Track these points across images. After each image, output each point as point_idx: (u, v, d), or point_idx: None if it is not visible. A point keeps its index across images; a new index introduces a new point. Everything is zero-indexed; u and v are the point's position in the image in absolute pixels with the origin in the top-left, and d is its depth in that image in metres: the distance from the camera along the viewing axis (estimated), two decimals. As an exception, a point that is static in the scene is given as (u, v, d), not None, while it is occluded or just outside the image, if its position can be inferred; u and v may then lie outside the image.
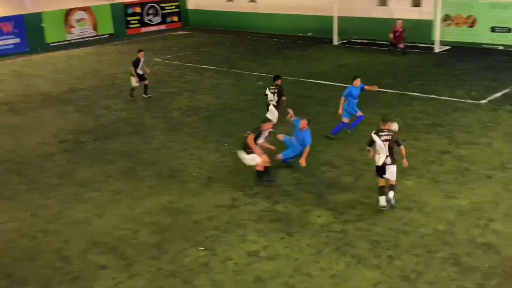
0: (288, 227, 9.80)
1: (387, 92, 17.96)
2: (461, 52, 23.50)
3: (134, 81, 18.64)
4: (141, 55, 18.73)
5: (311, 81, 20.06)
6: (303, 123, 12.06)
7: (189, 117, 16.67)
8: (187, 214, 10.51)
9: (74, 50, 29.00)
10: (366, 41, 26.88)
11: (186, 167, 12.76)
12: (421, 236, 9.31)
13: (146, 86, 18.83)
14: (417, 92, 17.71)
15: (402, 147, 10.14)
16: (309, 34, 29.44)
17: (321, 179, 11.72)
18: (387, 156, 9.95)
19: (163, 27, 34.14)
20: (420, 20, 25.23)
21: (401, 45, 23.64)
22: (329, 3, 27.07)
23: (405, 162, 10.29)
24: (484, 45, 23.90)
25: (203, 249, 9.21)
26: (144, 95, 18.87)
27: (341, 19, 26.75)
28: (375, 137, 10.07)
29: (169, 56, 26.04)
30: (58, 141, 15.06)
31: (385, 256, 8.76)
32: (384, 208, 10.16)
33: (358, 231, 9.55)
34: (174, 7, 34.70)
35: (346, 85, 18.95)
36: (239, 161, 12.84)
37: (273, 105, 14.51)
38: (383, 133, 10.06)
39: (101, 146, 14.52)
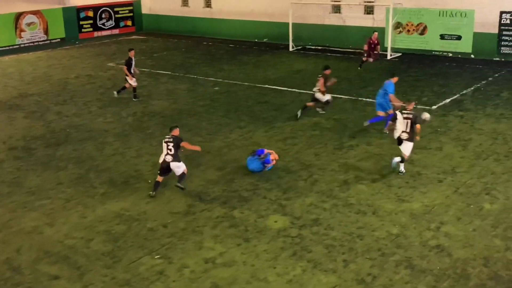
0: (245, 233, 9.78)
1: (341, 98, 18.22)
2: (412, 58, 24.10)
3: (133, 81, 18.58)
4: (132, 54, 18.64)
5: (267, 87, 20.15)
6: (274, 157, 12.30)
7: (144, 122, 16.45)
8: (142, 221, 10.34)
9: (25, 54, 28.20)
10: (320, 47, 27.23)
11: (141, 174, 12.57)
12: (376, 239, 9.45)
13: (124, 88, 18.84)
14: (370, 98, 18.02)
15: (418, 125, 11.90)
16: (265, 40, 29.62)
17: (277, 184, 11.76)
18: (403, 131, 11.88)
19: (116, 31, 33.66)
20: (373, 27, 25.76)
21: (371, 59, 22.26)
22: (284, 9, 27.30)
23: (417, 138, 12.09)
24: (434, 52, 24.60)
25: (158, 257, 9.08)
26: (115, 93, 19.01)
27: (295, 25, 27.03)
28: (398, 115, 12.10)
29: (123, 61, 25.61)
30: (7, 148, 14.58)
31: (340, 260, 8.85)
32: (394, 165, 12.08)
33: (314, 236, 9.62)
34: (127, 11, 34.27)
35: (301, 90, 19.25)
36: (195, 167, 12.78)
37: (315, 92, 16.05)
38: (406, 112, 12.07)
39: (52, 153, 14.14)
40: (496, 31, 23.07)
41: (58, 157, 13.83)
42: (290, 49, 27.18)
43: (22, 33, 29.44)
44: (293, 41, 27.25)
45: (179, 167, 11.30)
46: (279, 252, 9.13)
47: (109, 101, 18.76)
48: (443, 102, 17.40)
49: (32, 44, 29.71)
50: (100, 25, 32.96)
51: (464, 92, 18.39)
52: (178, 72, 23.15)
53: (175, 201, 11.14)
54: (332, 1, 26.99)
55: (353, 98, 18.21)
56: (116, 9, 33.54)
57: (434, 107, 16.94)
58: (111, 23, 33.44)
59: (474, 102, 17.27)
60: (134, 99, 18.77)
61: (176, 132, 11.60)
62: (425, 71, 21.76)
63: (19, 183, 12.24)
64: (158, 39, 32.15)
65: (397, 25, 25.20)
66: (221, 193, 11.43)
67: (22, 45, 29.35)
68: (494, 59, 22.85)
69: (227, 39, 30.39)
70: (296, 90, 19.42)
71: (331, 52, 26.30)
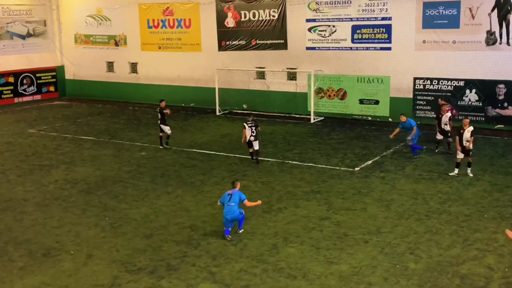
0: (173, 304, 9.46)
1: (268, 160, 18.50)
2: (334, 122, 25.00)
3: (167, 129, 20.46)
4: (163, 104, 20.53)
5: (194, 151, 20.14)
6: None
7: (66, 190, 15.87)
8: (64, 296, 9.80)
9: None
10: (246, 111, 27.75)
11: (63, 245, 12.00)
12: (306, 303, 9.40)
13: (168, 137, 20.69)
14: (296, 160, 18.42)
15: (472, 138, 16.19)
16: (192, 104, 29.86)
17: (207, 251, 11.57)
18: (467, 141, 16.03)
19: (38, 97, 32.92)
20: (296, 92, 26.71)
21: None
22: (210, 75, 27.84)
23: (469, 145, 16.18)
24: (354, 116, 25.68)
25: (81, 334, 8.57)
26: (165, 146, 20.55)
27: (222, 90, 27.55)
28: (465, 132, 16.11)
29: (45, 127, 24.96)
30: None
31: (272, 327, 8.71)
32: (457, 175, 16.16)
33: (245, 303, 9.45)
34: (50, 77, 33.73)
35: (228, 154, 19.38)
36: (120, 236, 12.38)
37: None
38: (465, 128, 16.08)
39: (-34, 225, 13.29)
40: (410, 95, 24.49)
41: (-28, 229, 13.01)
42: (217, 113, 27.53)
43: None
44: (220, 105, 27.68)
45: (256, 143, 17.97)
46: (210, 322, 8.87)
47: (29, 169, 18.03)
48: (365, 164, 18.02)
49: None
50: (21, 91, 32.18)
51: (384, 154, 19.18)
52: (102, 137, 22.73)
53: (99, 272, 10.67)
54: (256, 67, 27.83)
55: (280, 160, 18.52)
56: (38, 74, 32.94)
57: (356, 168, 17.49)
58: (32, 88, 32.74)
59: (394, 164, 18.00)
60: (162, 147, 20.51)
61: (252, 117, 18.28)
62: (346, 134, 22.59)
63: None
64: (82, 104, 31.64)
65: (319, 91, 26.22)
66: (149, 262, 11.08)
67: None
68: (410, 122, 24.12)
69: (153, 104, 30.31)
70: (224, 154, 19.53)
71: (257, 116, 26.77)
